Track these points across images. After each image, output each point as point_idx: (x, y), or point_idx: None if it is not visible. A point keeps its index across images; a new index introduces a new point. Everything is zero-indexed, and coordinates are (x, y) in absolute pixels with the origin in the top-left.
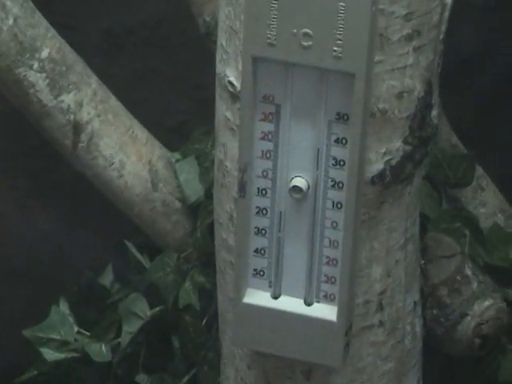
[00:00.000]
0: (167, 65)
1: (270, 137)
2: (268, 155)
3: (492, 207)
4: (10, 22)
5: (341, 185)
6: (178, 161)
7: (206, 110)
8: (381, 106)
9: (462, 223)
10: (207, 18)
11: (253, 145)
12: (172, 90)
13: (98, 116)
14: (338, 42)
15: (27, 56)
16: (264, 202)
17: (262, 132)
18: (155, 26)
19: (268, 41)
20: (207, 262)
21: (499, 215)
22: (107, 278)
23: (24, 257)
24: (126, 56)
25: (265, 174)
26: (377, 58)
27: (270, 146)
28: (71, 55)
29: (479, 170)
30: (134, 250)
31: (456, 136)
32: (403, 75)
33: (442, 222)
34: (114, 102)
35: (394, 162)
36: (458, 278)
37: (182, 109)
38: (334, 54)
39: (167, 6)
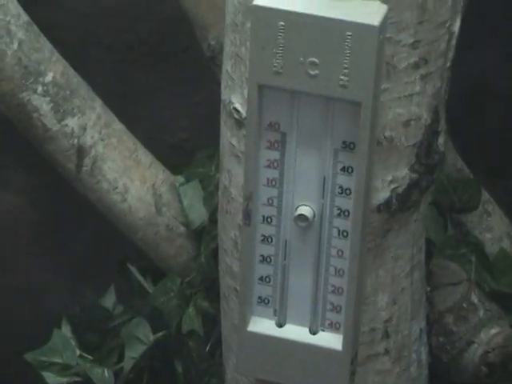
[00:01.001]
0: (169, 81)
1: (275, 165)
2: (273, 183)
3: (498, 232)
4: (15, 46)
5: (347, 213)
6: (181, 184)
7: (208, 127)
8: (387, 134)
9: (468, 249)
10: (212, 42)
11: (258, 173)
12: (174, 107)
13: (102, 140)
14: (345, 70)
15: (31, 80)
16: (269, 230)
17: (268, 160)
18: (157, 42)
19: (274, 69)
20: (211, 286)
21: (506, 240)
22: (109, 300)
23: None
24: (127, 72)
25: (270, 201)
26: (383, 86)
27: (275, 174)
28: (75, 79)
29: (485, 195)
30: (136, 274)
31: (462, 161)
32: (410, 103)
33: (447, 248)
34: (117, 125)
35: (400, 190)
36: (465, 305)
37: (183, 126)
38: (340, 82)
39: (170, 23)
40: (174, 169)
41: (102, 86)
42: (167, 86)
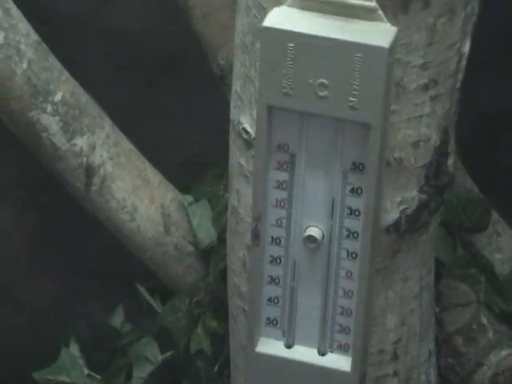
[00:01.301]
0: (177, 99)
1: (284, 186)
2: (282, 204)
3: (508, 253)
4: (24, 65)
5: (356, 234)
6: (190, 204)
7: (216, 144)
8: (397, 155)
9: (478, 269)
10: (221, 62)
11: (267, 193)
12: (182, 124)
13: (111, 159)
14: (354, 92)
15: (41, 99)
16: (278, 251)
17: (277, 181)
18: (166, 60)
19: (284, 90)
20: (219, 306)
21: None
22: (117, 319)
23: None
24: (135, 89)
25: (279, 222)
26: (393, 108)
27: (284, 194)
28: (84, 98)
29: (495, 215)
30: (145, 294)
31: (471, 181)
32: (419, 124)
33: (456, 268)
34: (126, 144)
35: (409, 211)
36: (474, 326)
37: (191, 143)
38: (349, 104)
39: (179, 41)
40: (183, 187)
41: (111, 104)
42: (176, 103)
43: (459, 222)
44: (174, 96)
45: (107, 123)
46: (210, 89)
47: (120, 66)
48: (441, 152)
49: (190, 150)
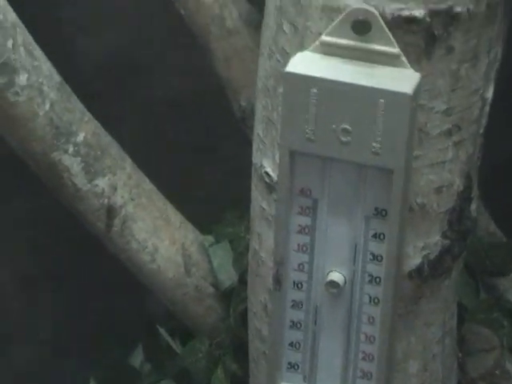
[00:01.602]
0: (196, 135)
1: (306, 230)
2: (304, 249)
3: None
4: (47, 106)
5: (378, 280)
6: (211, 245)
7: (234, 182)
8: (419, 200)
9: (501, 313)
10: (243, 103)
11: (289, 238)
12: (201, 161)
13: (132, 200)
14: (377, 137)
15: (63, 140)
16: (299, 296)
17: (299, 225)
18: (185, 97)
19: (306, 135)
20: (240, 348)
21: None
22: (137, 359)
23: None
24: (155, 126)
25: (301, 267)
26: (416, 153)
27: (306, 239)
28: (106, 138)
29: None
30: (165, 335)
31: (494, 224)
32: (442, 170)
33: (479, 312)
34: (148, 185)
35: (432, 257)
36: (497, 372)
37: (210, 180)
38: (372, 149)
39: (199, 79)
40: (204, 227)
41: (130, 141)
42: (195, 139)
43: (482, 265)
44: (193, 132)
45: (128, 164)
46: (231, 127)
47: (138, 102)
48: (464, 197)
49: (211, 188)
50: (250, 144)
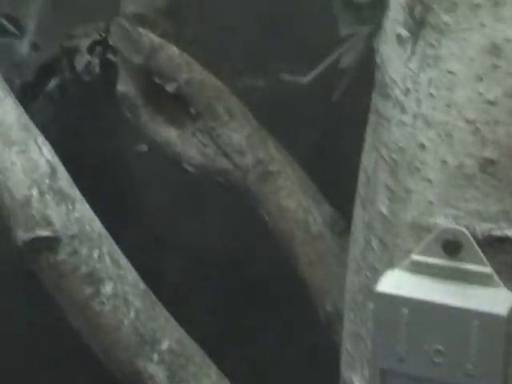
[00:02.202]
0: None
1: None
2: None
3: None
4: (132, 315)
5: None
6: None
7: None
8: None
9: None
10: (328, 308)
11: None
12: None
13: None
14: (471, 359)
15: (147, 348)
16: None
17: None
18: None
19: (397, 355)
20: None
21: None
22: None
23: None
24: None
25: None
26: None
27: None
28: (191, 345)
29: None
30: None
31: None
32: None
33: None
34: None
35: None
36: None
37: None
38: (466, 371)
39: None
40: None
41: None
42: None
43: None
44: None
45: (213, 371)
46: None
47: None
48: None
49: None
50: None
